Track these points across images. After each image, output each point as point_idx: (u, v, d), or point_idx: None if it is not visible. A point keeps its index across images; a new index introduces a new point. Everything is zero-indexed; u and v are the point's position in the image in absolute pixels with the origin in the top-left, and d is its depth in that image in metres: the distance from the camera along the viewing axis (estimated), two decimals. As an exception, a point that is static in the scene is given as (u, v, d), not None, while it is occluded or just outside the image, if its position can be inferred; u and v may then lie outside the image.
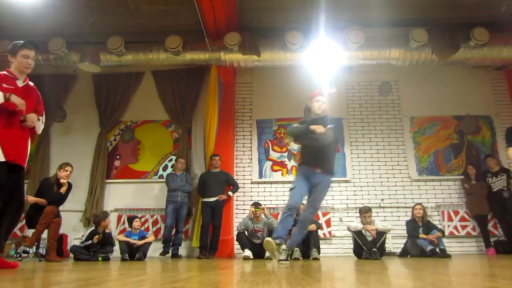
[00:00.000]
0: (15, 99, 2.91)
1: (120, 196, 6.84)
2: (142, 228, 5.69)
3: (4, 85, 2.97)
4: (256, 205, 5.59)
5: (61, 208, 5.15)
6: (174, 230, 6.08)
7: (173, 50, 6.40)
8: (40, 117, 3.21)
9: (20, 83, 3.10)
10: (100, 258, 5.20)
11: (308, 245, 5.11)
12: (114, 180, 6.93)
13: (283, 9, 6.55)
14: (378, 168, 6.87)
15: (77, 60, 6.46)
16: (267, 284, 1.65)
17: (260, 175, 6.90)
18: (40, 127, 3.24)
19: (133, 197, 6.83)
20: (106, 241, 5.28)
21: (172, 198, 6.07)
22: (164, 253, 5.92)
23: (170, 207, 6.03)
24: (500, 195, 6.12)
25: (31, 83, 3.23)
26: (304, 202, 3.82)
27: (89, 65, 6.31)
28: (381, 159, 6.92)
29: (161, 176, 6.89)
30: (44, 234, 4.85)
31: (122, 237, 5.36)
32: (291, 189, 3.65)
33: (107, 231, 5.34)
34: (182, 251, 6.49)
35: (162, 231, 6.43)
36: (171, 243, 5.97)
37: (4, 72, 3.07)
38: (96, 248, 5.23)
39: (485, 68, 7.14)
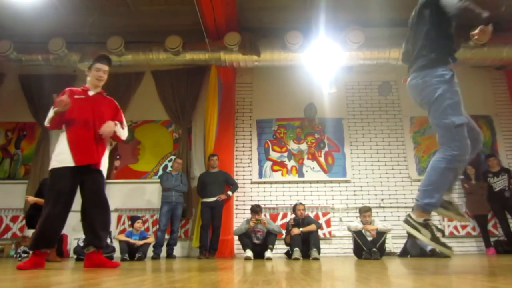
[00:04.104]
0: (56, 98, 3.06)
1: (120, 196, 6.84)
2: (142, 228, 5.68)
3: (76, 96, 3.18)
4: (258, 213, 5.36)
5: (61, 208, 5.13)
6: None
7: (173, 50, 6.41)
8: (118, 123, 3.31)
9: (91, 93, 3.30)
10: None
11: (308, 245, 5.10)
12: (114, 180, 6.91)
13: (283, 9, 6.55)
14: (378, 168, 6.87)
15: (77, 60, 6.47)
16: (267, 284, 1.65)
17: (260, 175, 6.90)
18: (122, 132, 3.35)
19: (133, 197, 6.83)
20: None
21: (167, 198, 5.94)
22: (156, 255, 5.68)
23: (165, 208, 5.88)
24: (501, 195, 6.12)
25: (105, 94, 3.40)
26: None
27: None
28: (381, 159, 6.92)
29: (161, 177, 6.88)
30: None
31: (122, 237, 5.36)
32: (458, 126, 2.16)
33: None
34: (182, 251, 6.50)
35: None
36: (162, 246, 5.77)
37: (79, 88, 3.31)
38: None
39: (485, 68, 7.14)
